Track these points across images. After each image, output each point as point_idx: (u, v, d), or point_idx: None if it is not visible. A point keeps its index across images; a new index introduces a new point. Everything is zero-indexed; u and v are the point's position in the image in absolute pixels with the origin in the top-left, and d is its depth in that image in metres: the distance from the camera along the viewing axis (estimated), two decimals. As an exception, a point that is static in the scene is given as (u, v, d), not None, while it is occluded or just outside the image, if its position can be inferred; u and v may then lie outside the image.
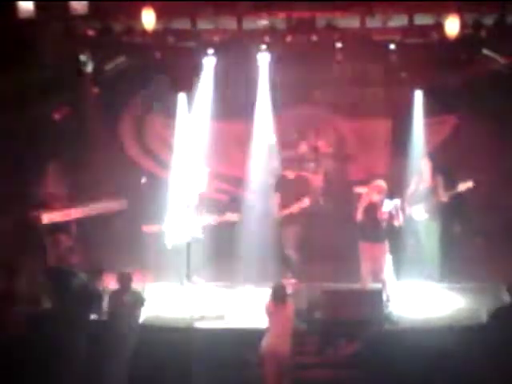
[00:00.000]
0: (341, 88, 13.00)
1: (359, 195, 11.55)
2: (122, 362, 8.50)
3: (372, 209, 9.99)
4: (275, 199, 11.18)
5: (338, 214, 12.28)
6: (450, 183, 11.11)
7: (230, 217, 10.94)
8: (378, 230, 9.97)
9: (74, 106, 12.20)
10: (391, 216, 9.97)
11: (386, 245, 10.04)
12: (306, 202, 10.92)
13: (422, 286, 10.86)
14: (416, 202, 11.15)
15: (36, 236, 11.18)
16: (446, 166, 11.60)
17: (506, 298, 8.33)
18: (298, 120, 13.13)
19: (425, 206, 11.11)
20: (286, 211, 10.93)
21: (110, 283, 10.36)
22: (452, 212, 11.51)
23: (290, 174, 11.37)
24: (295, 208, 10.89)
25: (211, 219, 10.77)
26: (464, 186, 10.88)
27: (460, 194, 11.03)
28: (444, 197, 11.05)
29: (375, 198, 10.03)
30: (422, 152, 11.91)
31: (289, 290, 9.13)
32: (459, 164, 12.06)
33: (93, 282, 8.94)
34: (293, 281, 10.75)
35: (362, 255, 10.06)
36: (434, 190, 11.14)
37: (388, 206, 9.99)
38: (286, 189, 11.17)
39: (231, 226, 12.03)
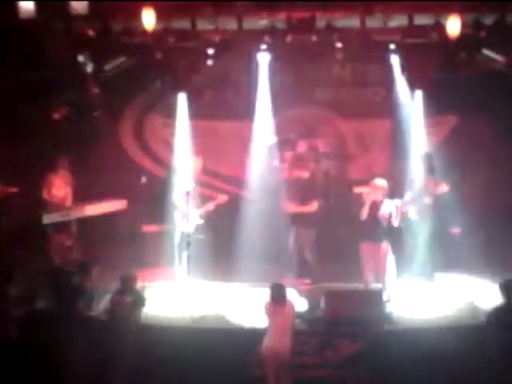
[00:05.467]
0: (341, 88, 13.01)
1: (360, 195, 11.57)
2: (122, 361, 8.49)
3: (374, 208, 9.96)
4: (283, 198, 11.19)
5: (337, 214, 12.27)
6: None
7: (222, 199, 10.97)
8: (379, 229, 9.94)
9: (74, 106, 12.20)
10: (391, 216, 9.95)
11: (388, 245, 10.02)
12: (315, 205, 10.97)
13: (422, 285, 10.86)
14: (411, 202, 11.11)
15: (36, 236, 11.18)
16: (440, 166, 11.57)
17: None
18: (298, 120, 13.13)
19: (416, 205, 11.06)
20: (299, 209, 10.96)
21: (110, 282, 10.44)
22: (443, 212, 11.48)
23: (296, 175, 11.36)
24: (306, 209, 10.93)
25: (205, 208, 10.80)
26: (439, 189, 10.93)
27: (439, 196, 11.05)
28: (428, 199, 11.04)
29: (378, 197, 10.00)
30: (422, 151, 11.92)
31: (302, 288, 9.12)
32: (459, 164, 12.05)
33: (81, 278, 8.93)
34: (307, 281, 10.78)
35: (363, 256, 10.01)
36: (425, 191, 11.12)
37: (388, 205, 9.97)
38: (291, 189, 11.17)
39: (231, 224, 12.08)
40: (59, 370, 8.28)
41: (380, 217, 9.91)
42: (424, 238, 11.21)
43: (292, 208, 11.10)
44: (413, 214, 11.14)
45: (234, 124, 13.08)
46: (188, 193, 10.46)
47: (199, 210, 10.79)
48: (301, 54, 12.02)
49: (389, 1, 10.69)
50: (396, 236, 10.39)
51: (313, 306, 9.72)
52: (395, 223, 10.06)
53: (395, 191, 10.63)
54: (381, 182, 10.10)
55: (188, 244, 10.21)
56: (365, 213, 9.92)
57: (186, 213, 10.52)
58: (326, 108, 13.11)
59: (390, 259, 10.03)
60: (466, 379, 8.30)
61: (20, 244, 10.91)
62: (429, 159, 11.48)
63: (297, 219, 11.07)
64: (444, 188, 10.93)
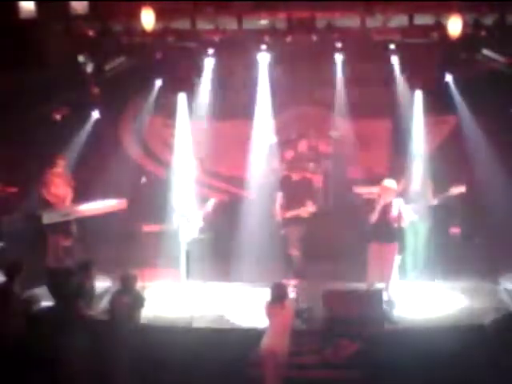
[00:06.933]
0: (341, 88, 13.01)
1: (360, 195, 11.58)
2: (122, 361, 8.49)
3: (385, 209, 9.92)
4: (278, 199, 11.14)
5: (337, 213, 12.27)
6: (441, 186, 11.03)
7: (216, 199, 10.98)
8: (390, 230, 9.91)
9: (74, 106, 12.20)
10: (400, 216, 9.93)
11: (396, 245, 10.01)
12: (313, 207, 10.90)
13: (422, 286, 10.86)
14: (406, 203, 11.01)
15: (36, 236, 11.18)
16: (439, 168, 11.55)
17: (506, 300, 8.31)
18: (298, 120, 13.13)
19: (415, 207, 10.98)
20: (293, 213, 10.87)
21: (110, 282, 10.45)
22: (443, 214, 11.46)
23: (295, 176, 11.32)
24: (303, 212, 10.84)
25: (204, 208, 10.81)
26: (456, 190, 10.84)
27: (450, 197, 10.97)
28: (434, 200, 10.97)
29: (389, 198, 9.95)
30: (421, 152, 11.91)
31: (290, 291, 9.09)
32: (458, 164, 12.05)
33: (81, 278, 8.93)
34: (294, 281, 10.73)
35: (371, 256, 9.95)
36: (423, 193, 11.06)
37: (397, 206, 9.94)
38: (290, 190, 11.12)
39: (231, 224, 12.09)
40: (59, 370, 8.28)
41: (391, 218, 9.87)
42: (423, 239, 11.20)
43: (282, 213, 11.03)
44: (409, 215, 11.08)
45: (234, 124, 13.09)
46: (188, 194, 10.47)
47: (199, 211, 10.77)
48: (301, 54, 12.03)
49: (389, 1, 10.70)
50: (402, 236, 10.39)
51: (312, 305, 9.71)
52: (403, 223, 10.06)
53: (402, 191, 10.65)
54: (391, 184, 10.03)
55: (189, 244, 10.22)
56: (375, 216, 9.87)
57: (186, 215, 10.52)
58: (325, 108, 13.10)
59: (396, 260, 10.02)
60: (466, 379, 8.29)
61: (20, 244, 10.90)
62: (432, 160, 11.49)
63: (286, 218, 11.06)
64: (462, 189, 10.83)
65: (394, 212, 9.89)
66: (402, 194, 10.56)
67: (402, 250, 10.32)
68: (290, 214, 10.87)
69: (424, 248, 11.18)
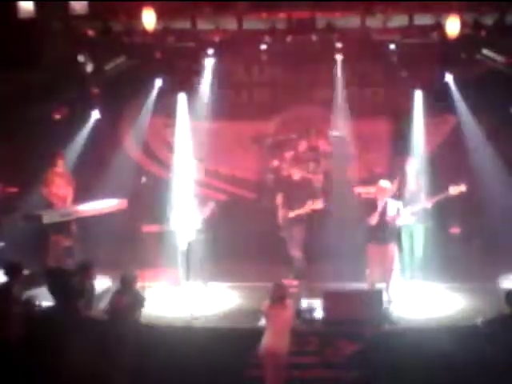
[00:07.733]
0: (341, 88, 13.01)
1: (362, 195, 11.56)
2: (122, 361, 8.49)
3: (382, 210, 9.92)
4: (279, 200, 11.13)
5: (337, 213, 12.27)
6: (441, 186, 10.99)
7: (211, 205, 10.96)
8: (387, 231, 9.92)
9: (74, 106, 12.20)
10: (396, 216, 9.93)
11: (395, 245, 10.00)
12: (319, 203, 10.89)
13: (421, 286, 10.85)
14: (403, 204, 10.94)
15: (36, 236, 11.18)
16: (438, 168, 11.52)
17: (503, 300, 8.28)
18: (298, 120, 13.13)
19: (411, 209, 10.93)
20: (298, 212, 10.87)
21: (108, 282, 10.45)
22: (442, 214, 11.43)
23: (295, 176, 11.30)
24: (307, 209, 10.85)
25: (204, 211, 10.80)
26: (456, 189, 10.76)
27: (449, 197, 10.92)
28: (427, 203, 10.90)
29: (384, 198, 9.95)
30: (418, 152, 11.90)
31: (290, 291, 9.09)
32: (458, 164, 12.05)
33: (81, 278, 8.92)
34: (294, 282, 10.74)
35: (370, 257, 9.96)
36: (418, 194, 11.02)
37: (393, 206, 9.94)
38: (291, 190, 11.12)
39: (231, 224, 12.08)
40: (59, 370, 8.28)
41: (388, 218, 9.87)
42: (420, 239, 11.18)
43: (283, 214, 11.01)
44: (406, 217, 11.06)
45: (234, 124, 13.09)
46: (188, 195, 10.46)
47: (199, 212, 10.77)
48: (301, 54, 12.04)
49: (389, 1, 10.70)
50: (398, 237, 10.38)
51: (312, 306, 9.71)
52: (398, 223, 10.05)
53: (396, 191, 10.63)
54: (386, 184, 10.04)
55: (188, 245, 10.22)
56: (375, 218, 9.86)
57: (186, 215, 10.52)
58: (326, 108, 13.10)
59: (396, 260, 10.03)
60: (466, 379, 8.30)
61: (20, 244, 10.90)
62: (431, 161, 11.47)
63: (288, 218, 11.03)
64: (462, 188, 10.78)
65: (390, 212, 9.91)
66: (396, 194, 10.56)
67: (399, 250, 10.33)
68: (295, 212, 10.88)
69: (422, 248, 11.16)
